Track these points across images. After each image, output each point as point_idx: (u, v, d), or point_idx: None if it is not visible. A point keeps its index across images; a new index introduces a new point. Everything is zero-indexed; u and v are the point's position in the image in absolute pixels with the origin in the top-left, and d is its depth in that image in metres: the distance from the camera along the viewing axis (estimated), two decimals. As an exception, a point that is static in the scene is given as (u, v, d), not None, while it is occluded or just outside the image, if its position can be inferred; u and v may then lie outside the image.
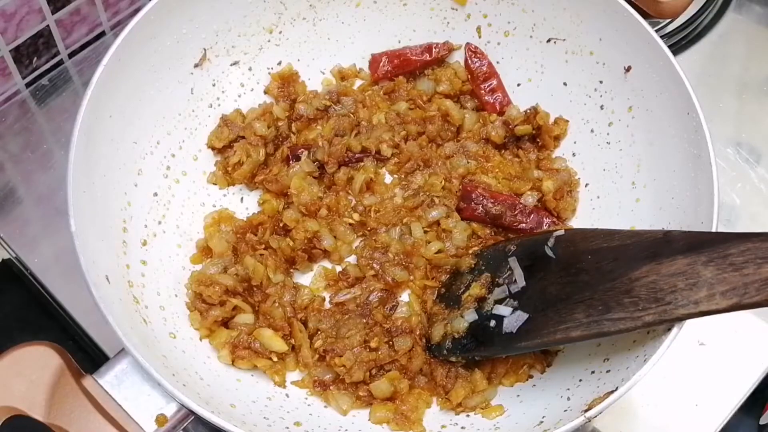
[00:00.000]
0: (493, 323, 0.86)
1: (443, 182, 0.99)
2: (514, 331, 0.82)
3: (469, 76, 1.06)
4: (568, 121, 1.01)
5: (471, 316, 0.88)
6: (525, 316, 0.82)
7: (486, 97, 1.05)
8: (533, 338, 0.81)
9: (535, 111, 1.02)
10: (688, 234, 0.77)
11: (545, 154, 1.02)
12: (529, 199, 0.98)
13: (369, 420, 0.87)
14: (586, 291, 0.78)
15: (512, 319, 0.83)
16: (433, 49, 1.06)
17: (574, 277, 0.81)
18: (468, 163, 1.01)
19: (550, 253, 0.86)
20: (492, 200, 0.97)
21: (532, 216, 0.97)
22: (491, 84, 1.05)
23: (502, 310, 0.85)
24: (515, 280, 0.87)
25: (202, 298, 0.89)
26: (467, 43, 1.07)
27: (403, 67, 1.06)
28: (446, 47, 1.07)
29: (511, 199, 0.98)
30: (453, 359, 0.89)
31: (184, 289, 0.92)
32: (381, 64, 1.06)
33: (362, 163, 1.01)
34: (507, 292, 0.87)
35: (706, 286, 0.71)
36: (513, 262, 0.89)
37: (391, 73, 1.07)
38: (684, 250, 0.73)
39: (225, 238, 0.95)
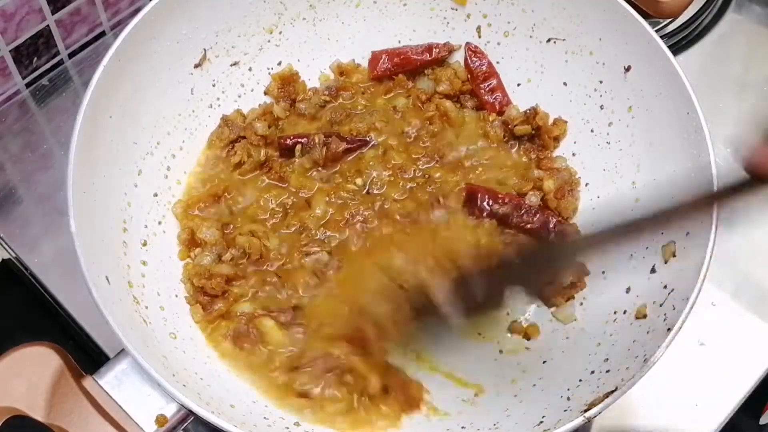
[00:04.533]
0: None
1: (459, 181, 0.99)
2: None
3: (469, 76, 1.06)
4: (567, 122, 1.01)
5: None
6: None
7: (486, 97, 1.05)
8: None
9: (534, 111, 1.02)
10: None
11: (545, 154, 1.02)
12: (533, 198, 0.98)
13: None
14: None
15: None
16: (434, 50, 1.06)
17: None
18: (487, 161, 1.01)
19: None
20: (498, 201, 0.96)
21: (537, 216, 0.97)
22: (491, 84, 1.05)
23: None
24: None
25: (203, 291, 0.89)
26: (467, 43, 1.06)
27: (403, 66, 1.06)
28: (446, 48, 1.06)
29: (516, 200, 0.97)
30: None
31: (184, 288, 0.92)
32: (381, 61, 1.06)
33: (360, 152, 1.00)
34: None
35: None
36: None
37: (391, 71, 1.06)
38: None
39: (214, 227, 0.94)
